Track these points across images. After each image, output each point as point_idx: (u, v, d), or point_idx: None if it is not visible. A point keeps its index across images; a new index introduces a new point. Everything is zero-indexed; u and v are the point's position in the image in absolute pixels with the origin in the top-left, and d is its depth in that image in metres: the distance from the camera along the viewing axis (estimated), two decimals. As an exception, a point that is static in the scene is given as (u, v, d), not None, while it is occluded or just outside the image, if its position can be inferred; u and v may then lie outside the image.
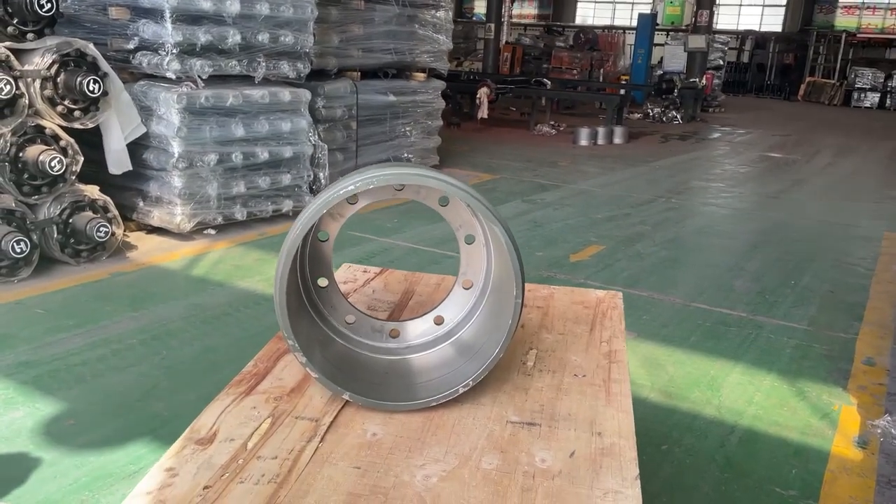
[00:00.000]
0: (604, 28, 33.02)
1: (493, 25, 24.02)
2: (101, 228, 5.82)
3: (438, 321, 2.25)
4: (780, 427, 3.93)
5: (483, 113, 15.08)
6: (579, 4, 39.69)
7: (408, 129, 9.74)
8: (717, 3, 24.20)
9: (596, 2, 39.54)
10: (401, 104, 9.53)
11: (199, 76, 6.56)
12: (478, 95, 15.24)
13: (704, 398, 4.20)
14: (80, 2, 6.68)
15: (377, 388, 2.00)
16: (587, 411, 1.97)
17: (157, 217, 6.81)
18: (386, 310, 2.57)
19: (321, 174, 7.98)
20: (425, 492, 1.61)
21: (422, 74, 9.97)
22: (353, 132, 8.85)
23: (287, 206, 7.60)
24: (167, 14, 6.29)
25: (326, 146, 8.02)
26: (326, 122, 8.42)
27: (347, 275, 2.89)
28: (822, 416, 4.09)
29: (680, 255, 7.18)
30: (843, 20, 33.02)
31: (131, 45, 6.53)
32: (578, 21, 38.45)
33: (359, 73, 8.92)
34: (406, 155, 9.72)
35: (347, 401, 1.93)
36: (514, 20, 33.81)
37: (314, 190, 7.93)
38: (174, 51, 6.38)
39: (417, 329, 2.25)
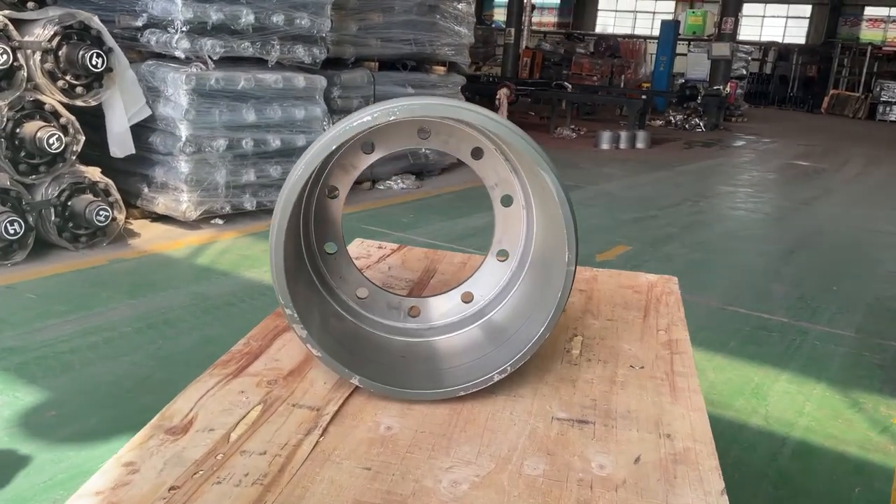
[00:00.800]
0: (624, 36, 32.65)
1: (512, 30, 23.73)
2: (101, 212, 5.50)
3: (467, 298, 1.89)
4: (836, 441, 3.54)
5: (503, 114, 14.73)
6: (600, 13, 39.36)
7: (426, 123, 9.38)
8: (741, 13, 23.82)
9: (616, 11, 39.19)
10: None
11: (209, 56, 6.25)
12: (497, 96, 14.91)
13: (750, 407, 3.81)
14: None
15: (393, 372, 1.64)
16: (650, 408, 1.60)
17: (162, 204, 6.49)
18: (404, 288, 2.21)
19: (335, 166, 7.63)
20: (454, 501, 1.24)
21: (442, 68, 9.64)
22: (369, 124, 8.49)
23: (299, 197, 7.26)
24: (177, -11, 5.99)
25: (341, 136, 7.67)
26: (342, 113, 8.09)
27: (360, 250, 2.53)
28: (882, 429, 3.68)
29: (712, 258, 6.79)
30: (868, 33, 32.56)
31: (139, 23, 6.23)
32: (599, 30, 38.13)
33: (377, 64, 8.59)
34: (423, 150, 9.36)
35: (357, 387, 1.58)
36: (534, 28, 33.51)
37: (327, 182, 7.59)
38: (184, 28, 6.08)
39: (442, 307, 1.89)
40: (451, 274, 2.34)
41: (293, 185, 1.47)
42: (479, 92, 15.79)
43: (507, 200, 1.86)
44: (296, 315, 1.52)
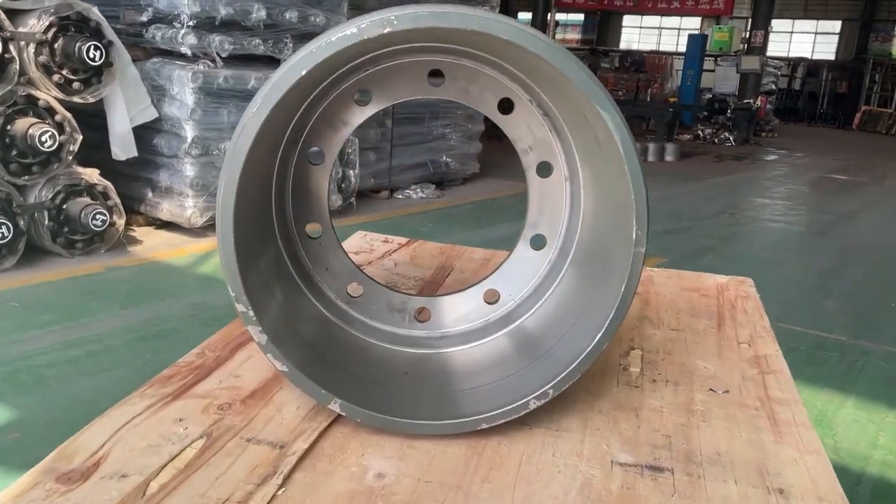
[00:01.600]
0: (649, 52, 32.21)
1: (536, 43, 23.31)
2: (98, 216, 5.13)
3: (491, 298, 1.45)
4: (921, 479, 3.02)
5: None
6: (624, 29, 38.95)
7: (447, 130, 8.98)
8: (770, 28, 23.30)
9: (641, 27, 38.79)
10: (440, 104, 8.79)
11: (217, 53, 5.89)
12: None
13: (815, 437, 3.30)
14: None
15: (391, 395, 1.20)
16: (747, 449, 1.15)
17: (166, 210, 6.12)
18: (413, 287, 1.77)
19: (351, 172, 7.24)
20: None
21: (464, 73, 9.24)
22: (387, 130, 8.12)
23: (311, 204, 6.85)
24: (184, -18, 5.65)
25: (357, 141, 7.30)
26: (359, 119, 7.71)
27: (361, 244, 2.10)
28: (973, 466, 3.16)
29: (754, 272, 6.24)
30: (900, 49, 31.79)
31: (144, 18, 5.89)
32: (623, 46, 37.73)
33: (396, 68, 8.21)
34: (444, 158, 8.96)
35: (339, 415, 1.14)
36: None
37: (342, 190, 7.20)
38: (191, 24, 5.73)
39: (458, 309, 1.45)
40: (471, 272, 1.90)
41: (248, 130, 1.04)
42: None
43: (544, 169, 1.42)
44: (252, 313, 1.08)
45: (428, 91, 1.38)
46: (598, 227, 1.31)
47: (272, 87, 1.03)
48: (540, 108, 1.37)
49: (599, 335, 1.11)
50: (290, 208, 1.39)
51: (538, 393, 1.12)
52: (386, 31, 1.03)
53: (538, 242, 1.45)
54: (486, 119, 9.25)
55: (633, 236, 1.08)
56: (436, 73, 1.37)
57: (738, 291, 1.85)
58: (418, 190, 8.65)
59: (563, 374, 1.12)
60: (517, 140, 1.41)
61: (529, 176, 1.42)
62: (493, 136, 14.03)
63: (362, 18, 1.05)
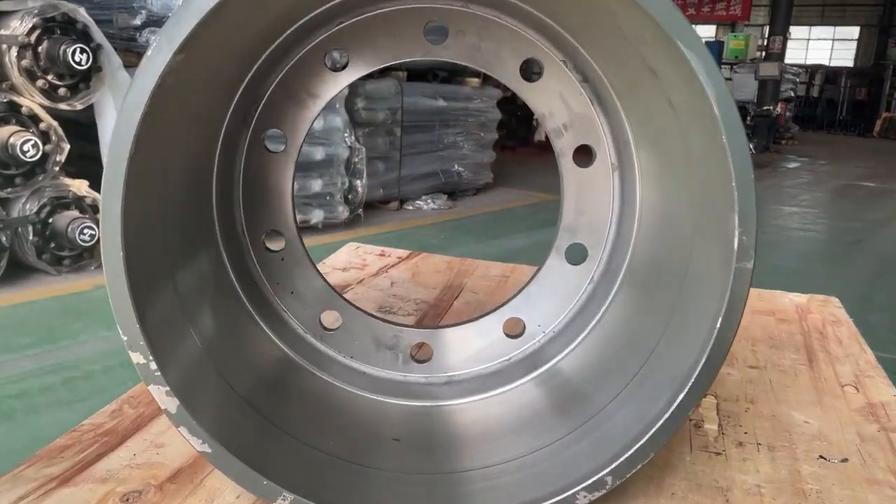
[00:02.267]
0: (664, 60, 31.90)
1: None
2: (86, 230, 4.78)
3: (514, 329, 1.07)
4: None
5: (541, 136, 13.98)
6: (638, 38, 38.75)
7: (459, 139, 8.62)
8: (788, 34, 22.91)
9: (655, 36, 38.55)
10: (452, 111, 8.42)
11: (214, 58, 5.56)
12: (535, 118, 14.17)
13: None
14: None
15: (370, 483, 0.83)
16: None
17: (162, 224, 5.78)
18: (412, 313, 1.40)
19: (358, 183, 6.89)
20: None
21: (476, 80, 8.88)
22: (396, 139, 7.76)
23: (316, 216, 6.51)
24: (179, -17, 5.33)
25: (365, 150, 6.95)
26: (367, 126, 7.36)
27: (351, 258, 1.73)
28: None
29: (789, 283, 5.84)
30: (920, 54, 31.27)
31: (138, 21, 5.59)
32: (637, 55, 37.50)
33: (405, 73, 7.86)
34: (456, 168, 8.60)
35: (291, 513, 0.76)
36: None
37: (349, 201, 6.84)
38: (186, 26, 5.42)
39: (470, 344, 1.08)
40: (485, 292, 1.53)
41: (139, 86, 0.67)
42: (514, 114, 15.05)
43: (584, 155, 1.05)
44: (154, 365, 0.71)
45: (426, 50, 1.02)
46: (664, 232, 0.93)
47: (178, 14, 0.66)
48: (578, 72, 1.00)
49: (683, 395, 0.73)
50: (240, 210, 1.02)
51: (590, 482, 0.74)
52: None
53: (576, 254, 1.08)
54: (500, 126, 8.87)
55: (735, 244, 0.71)
56: (434, 26, 1.00)
57: (823, 314, 1.46)
58: (429, 200, 8.28)
59: (628, 455, 0.74)
60: (546, 116, 1.04)
61: (564, 165, 1.05)
62: (507, 147, 13.71)
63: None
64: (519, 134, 15.86)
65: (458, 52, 1.00)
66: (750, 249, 0.71)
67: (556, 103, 1.02)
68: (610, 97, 0.98)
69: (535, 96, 1.03)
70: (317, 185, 6.53)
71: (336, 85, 1.02)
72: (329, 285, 1.06)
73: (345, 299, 1.08)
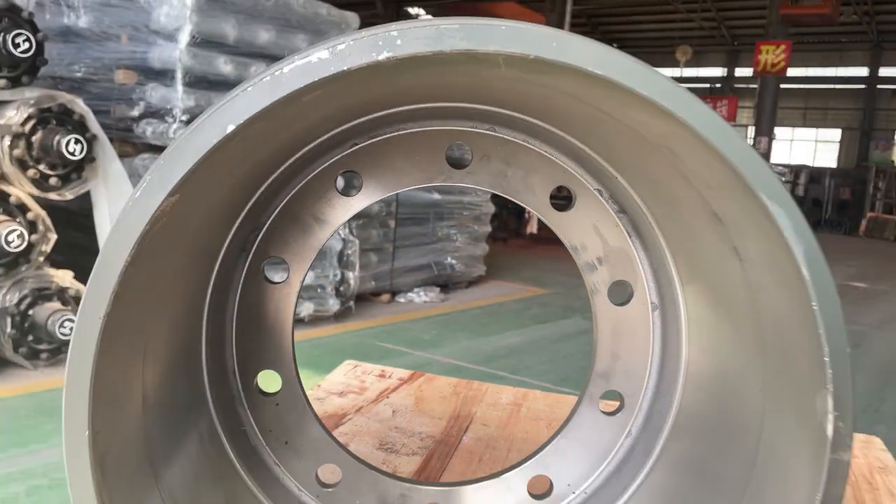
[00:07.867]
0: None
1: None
2: (66, 323, 4.62)
3: (540, 489, 0.94)
4: None
5: (532, 228, 14.02)
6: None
7: (453, 232, 8.60)
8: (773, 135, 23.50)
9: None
10: (446, 204, 8.44)
11: (211, 149, 5.54)
12: (527, 211, 14.25)
13: None
14: (84, 65, 5.83)
15: None
16: None
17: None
18: (417, 451, 1.26)
19: (350, 275, 6.79)
20: None
21: (470, 175, 8.95)
22: (390, 231, 7.73)
23: (306, 309, 6.37)
24: (179, 76, 5.36)
25: (358, 242, 6.88)
26: (360, 218, 7.33)
27: (348, 378, 1.59)
28: None
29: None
30: (900, 156, 32.08)
31: (135, 112, 5.58)
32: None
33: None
34: (449, 260, 8.54)
35: None
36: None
37: (341, 293, 6.72)
38: (183, 118, 5.42)
39: (489, 509, 0.94)
40: (497, 424, 1.39)
41: (126, 225, 0.56)
42: (505, 206, 15.20)
43: (620, 293, 0.94)
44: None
45: (447, 176, 0.92)
46: (720, 390, 0.81)
47: (173, 151, 0.56)
48: (614, 202, 0.91)
49: None
50: (232, 349, 0.90)
51: None
52: (382, 56, 0.57)
53: (611, 400, 0.95)
54: (493, 218, 8.91)
55: (829, 431, 0.59)
56: (457, 149, 0.91)
57: (868, 459, 1.33)
58: (421, 293, 8.18)
59: None
60: (579, 249, 0.94)
61: (597, 303, 0.94)
62: (498, 238, 13.72)
63: (339, 39, 0.59)
64: (510, 226, 15.97)
65: (482, 178, 0.90)
66: (847, 438, 0.59)
67: (590, 235, 0.92)
68: (651, 231, 0.88)
69: (566, 226, 0.93)
70: (308, 277, 6.40)
71: (347, 210, 0.92)
72: (331, 436, 0.93)
73: (347, 451, 0.94)
